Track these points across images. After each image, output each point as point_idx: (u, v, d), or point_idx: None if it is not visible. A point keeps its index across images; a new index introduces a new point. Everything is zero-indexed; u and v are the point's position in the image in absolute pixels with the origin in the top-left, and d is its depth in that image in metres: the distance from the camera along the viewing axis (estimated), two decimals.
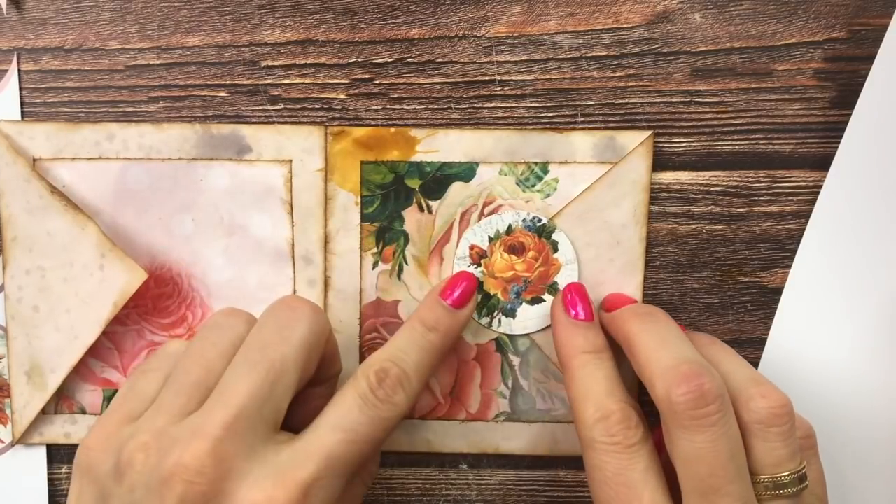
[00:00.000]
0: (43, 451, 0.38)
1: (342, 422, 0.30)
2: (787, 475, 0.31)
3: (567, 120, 0.36)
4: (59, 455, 0.39)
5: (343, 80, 0.36)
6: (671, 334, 0.33)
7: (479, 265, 0.37)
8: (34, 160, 0.36)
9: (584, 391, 0.32)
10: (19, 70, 0.36)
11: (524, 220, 0.36)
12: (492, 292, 0.37)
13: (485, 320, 0.37)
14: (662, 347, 0.32)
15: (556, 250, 0.36)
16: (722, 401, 0.30)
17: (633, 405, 0.32)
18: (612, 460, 0.31)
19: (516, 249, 0.37)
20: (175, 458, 0.28)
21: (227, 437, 0.28)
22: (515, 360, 0.37)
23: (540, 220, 0.36)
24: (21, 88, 0.36)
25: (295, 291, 0.37)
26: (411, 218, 0.37)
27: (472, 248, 0.37)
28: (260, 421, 0.29)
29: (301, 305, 0.32)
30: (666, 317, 0.34)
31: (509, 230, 0.36)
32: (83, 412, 0.38)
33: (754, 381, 0.32)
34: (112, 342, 0.38)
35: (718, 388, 0.30)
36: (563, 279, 0.37)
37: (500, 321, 0.37)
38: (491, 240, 0.37)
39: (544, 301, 0.37)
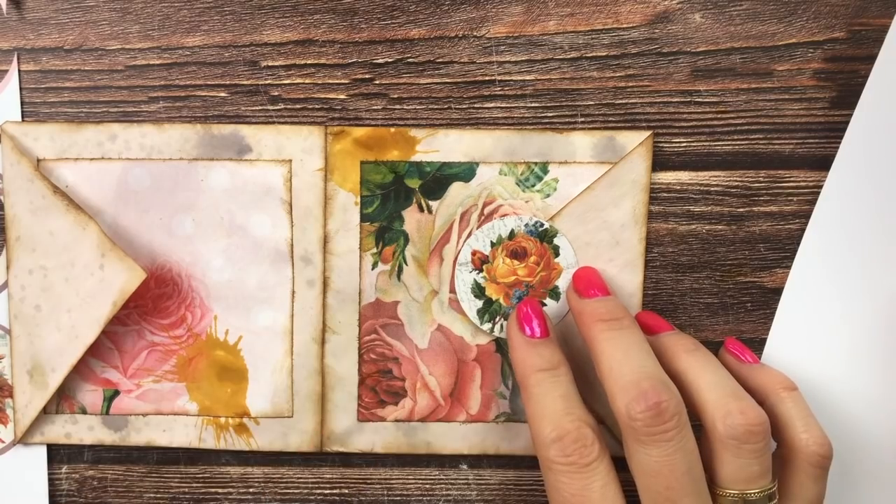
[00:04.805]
0: (43, 451, 0.38)
1: None
2: (757, 492, 0.31)
3: (567, 120, 0.36)
4: (60, 455, 0.39)
5: (343, 80, 0.36)
6: (634, 345, 0.33)
7: (480, 270, 0.37)
8: (38, 161, 0.36)
9: (541, 410, 0.32)
10: (19, 70, 0.36)
11: (526, 225, 0.36)
12: (494, 297, 0.37)
13: (486, 326, 0.37)
14: (625, 359, 0.32)
15: (557, 255, 0.36)
16: (679, 418, 0.31)
17: (589, 423, 0.32)
18: (568, 480, 0.31)
19: (518, 254, 0.37)
20: None
21: None
22: None
23: (542, 225, 0.36)
24: (21, 88, 0.36)
25: (294, 292, 0.37)
26: (411, 218, 0.37)
27: (473, 253, 0.37)
28: None
29: None
30: (631, 322, 0.34)
31: (511, 235, 0.36)
32: (84, 412, 0.38)
33: (734, 396, 0.32)
34: (112, 342, 0.38)
35: (676, 405, 0.31)
36: (564, 284, 0.37)
37: (502, 326, 0.37)
38: (493, 245, 0.36)
39: (546, 305, 0.37)
